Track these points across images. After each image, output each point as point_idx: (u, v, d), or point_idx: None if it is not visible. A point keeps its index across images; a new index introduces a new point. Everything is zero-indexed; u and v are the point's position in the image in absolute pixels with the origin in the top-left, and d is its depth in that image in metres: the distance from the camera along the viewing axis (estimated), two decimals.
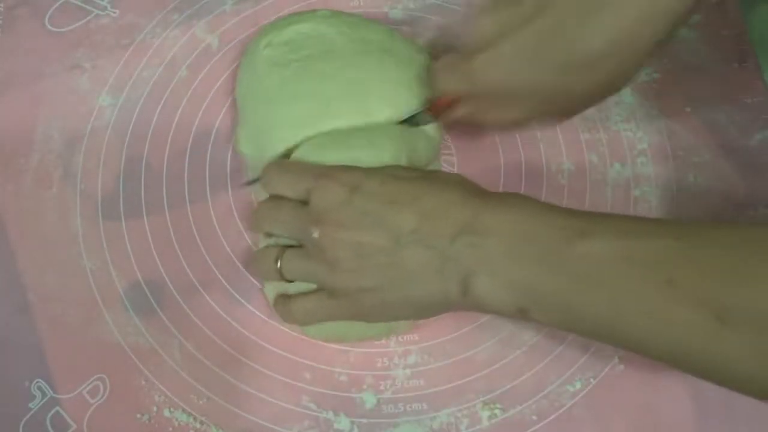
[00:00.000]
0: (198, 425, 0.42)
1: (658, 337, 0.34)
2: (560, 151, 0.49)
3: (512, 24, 0.38)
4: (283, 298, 0.43)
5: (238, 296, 0.45)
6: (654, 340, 0.34)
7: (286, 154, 0.44)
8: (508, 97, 0.41)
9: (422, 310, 0.41)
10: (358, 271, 0.39)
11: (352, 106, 0.43)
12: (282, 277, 0.42)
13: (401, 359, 0.44)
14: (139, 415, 0.42)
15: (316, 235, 0.39)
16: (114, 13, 0.53)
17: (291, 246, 0.42)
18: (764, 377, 0.32)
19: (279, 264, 0.41)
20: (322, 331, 0.43)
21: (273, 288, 0.43)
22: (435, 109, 0.44)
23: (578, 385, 0.43)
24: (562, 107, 0.42)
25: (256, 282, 0.45)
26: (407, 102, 0.44)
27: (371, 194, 0.39)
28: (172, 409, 0.42)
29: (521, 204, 0.38)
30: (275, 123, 0.44)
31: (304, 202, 0.40)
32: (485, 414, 0.43)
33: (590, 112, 0.50)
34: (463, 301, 0.38)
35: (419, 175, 0.41)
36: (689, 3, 0.36)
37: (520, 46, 0.38)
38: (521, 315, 0.37)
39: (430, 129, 0.45)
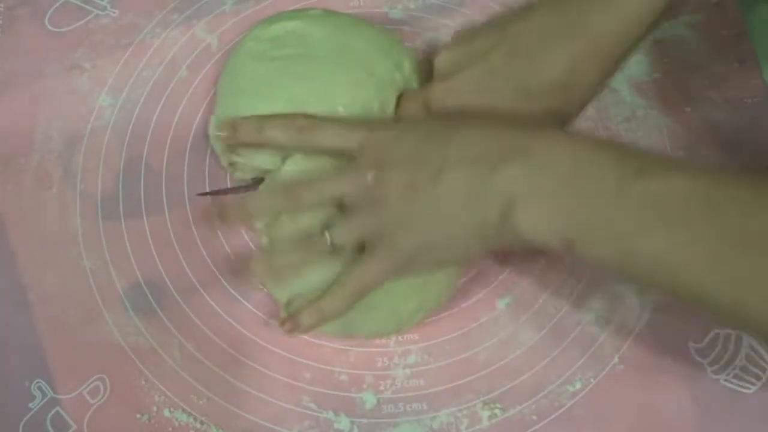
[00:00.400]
0: (198, 425, 0.42)
1: (719, 283, 0.33)
2: None
3: (469, 58, 0.42)
4: (313, 302, 0.41)
5: (238, 296, 0.45)
6: (713, 287, 0.33)
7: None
8: None
9: (462, 249, 0.40)
10: (407, 209, 0.38)
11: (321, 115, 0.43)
12: (332, 248, 0.40)
13: (401, 359, 0.44)
14: (139, 415, 0.42)
15: (370, 177, 0.39)
16: (114, 13, 0.53)
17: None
18: None
19: (328, 235, 0.40)
20: (333, 324, 0.42)
21: (285, 292, 0.42)
22: None
23: (578, 385, 0.43)
24: None
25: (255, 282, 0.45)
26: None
27: (418, 135, 0.40)
28: (172, 409, 0.42)
29: (570, 135, 0.38)
30: (247, 114, 0.44)
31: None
32: (485, 414, 0.43)
33: (590, 112, 0.51)
34: (502, 230, 0.37)
35: (460, 116, 0.42)
36: (633, 40, 0.39)
37: (474, 78, 0.42)
38: (565, 247, 0.36)
39: None
